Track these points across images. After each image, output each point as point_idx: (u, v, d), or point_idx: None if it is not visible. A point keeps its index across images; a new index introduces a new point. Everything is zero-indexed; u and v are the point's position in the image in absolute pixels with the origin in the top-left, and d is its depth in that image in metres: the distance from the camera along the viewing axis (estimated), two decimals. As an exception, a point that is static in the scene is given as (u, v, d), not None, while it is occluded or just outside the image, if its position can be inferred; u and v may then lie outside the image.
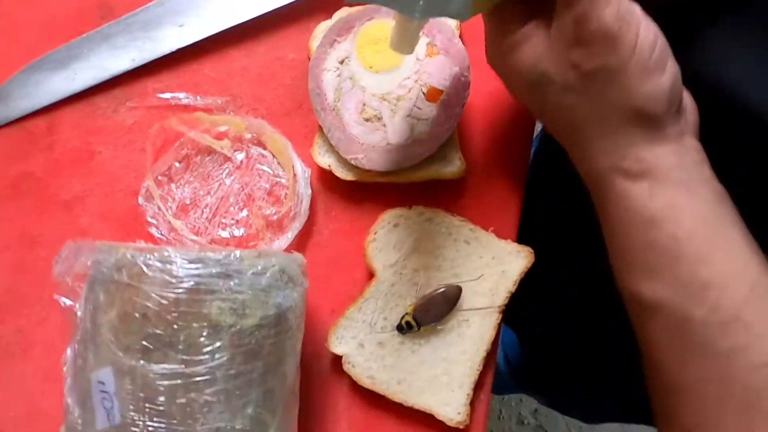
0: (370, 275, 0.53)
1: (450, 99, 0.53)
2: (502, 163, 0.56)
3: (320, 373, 0.53)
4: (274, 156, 0.56)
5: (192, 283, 0.39)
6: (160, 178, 0.56)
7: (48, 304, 0.54)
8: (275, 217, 0.55)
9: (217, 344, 0.39)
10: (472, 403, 0.51)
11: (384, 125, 0.54)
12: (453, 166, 0.54)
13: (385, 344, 0.52)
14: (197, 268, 0.39)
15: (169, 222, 0.54)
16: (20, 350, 0.53)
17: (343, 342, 0.52)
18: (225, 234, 0.55)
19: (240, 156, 0.56)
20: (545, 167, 0.66)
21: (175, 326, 0.39)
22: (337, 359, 0.52)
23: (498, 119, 0.57)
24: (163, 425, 0.38)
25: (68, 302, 0.42)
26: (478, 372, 0.51)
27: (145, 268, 0.39)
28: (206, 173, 0.56)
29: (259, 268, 0.41)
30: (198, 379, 0.39)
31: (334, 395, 0.53)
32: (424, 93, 0.53)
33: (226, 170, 0.56)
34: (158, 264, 0.39)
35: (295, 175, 0.54)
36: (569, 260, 0.69)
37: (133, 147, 0.57)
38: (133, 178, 0.56)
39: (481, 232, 0.53)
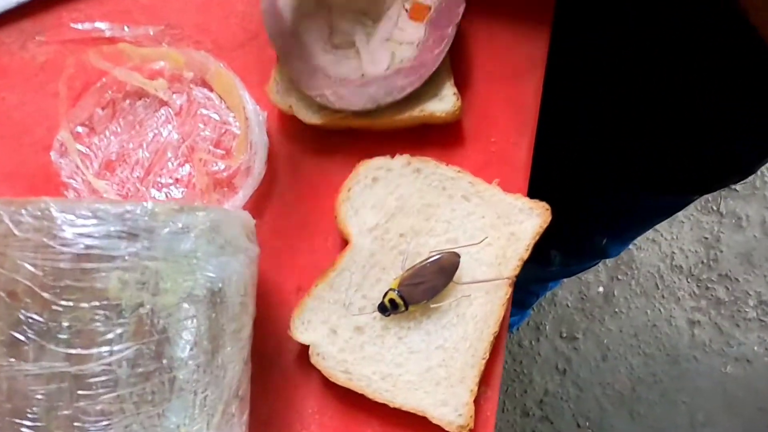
0: (345, 243, 0.42)
1: (439, 16, 0.42)
2: (508, 97, 0.45)
3: (285, 369, 0.42)
4: (221, 98, 0.45)
5: (81, 246, 0.28)
6: (78, 128, 0.44)
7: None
8: (225, 173, 0.44)
9: (119, 331, 0.28)
10: (477, 402, 0.40)
11: (357, 52, 0.42)
12: (445, 103, 0.43)
13: (365, 329, 0.41)
14: (89, 226, 0.28)
15: (90, 182, 0.43)
16: None
17: (310, 328, 0.41)
18: (160, 195, 0.43)
19: (179, 99, 0.45)
20: (561, 102, 0.54)
21: (56, 308, 0.28)
22: (304, 350, 0.41)
23: (502, 41, 0.46)
24: None
25: None
26: (484, 362, 0.40)
27: (13, 227, 0.28)
28: (137, 121, 0.45)
29: (180, 225, 0.30)
30: (91, 381, 0.28)
31: (302, 395, 0.42)
32: (406, 9, 0.42)
33: (162, 117, 0.45)
34: (32, 221, 0.28)
35: (247, 119, 0.43)
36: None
37: (44, 91, 0.45)
38: (45, 129, 0.45)
39: (483, 185, 0.42)
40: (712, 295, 1.43)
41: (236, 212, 0.34)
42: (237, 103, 0.44)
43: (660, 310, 1.44)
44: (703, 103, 0.48)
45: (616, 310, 1.45)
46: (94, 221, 0.28)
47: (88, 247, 0.28)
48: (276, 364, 0.42)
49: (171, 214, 0.30)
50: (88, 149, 0.44)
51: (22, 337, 0.27)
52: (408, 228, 0.42)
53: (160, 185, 0.44)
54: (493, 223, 0.41)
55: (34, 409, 0.27)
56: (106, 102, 0.45)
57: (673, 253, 1.47)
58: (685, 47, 0.46)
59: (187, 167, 0.44)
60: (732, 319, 1.42)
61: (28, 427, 0.27)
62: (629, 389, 1.40)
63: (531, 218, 0.41)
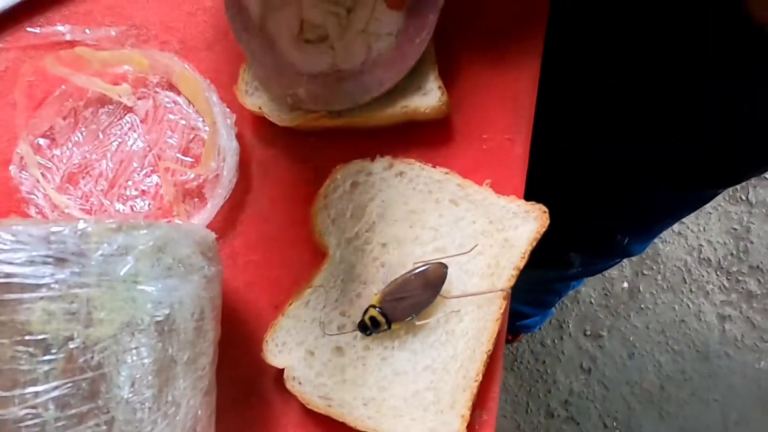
0: (322, 255, 0.38)
1: (419, 2, 0.38)
2: (501, 90, 0.41)
3: (261, 395, 0.39)
4: (189, 102, 0.42)
5: (1, 274, 0.25)
6: (39, 140, 0.42)
7: None
8: (194, 183, 0.40)
9: (45, 369, 0.25)
10: (471, 428, 0.36)
11: (331, 47, 0.39)
12: (430, 98, 0.39)
13: (345, 350, 0.37)
14: (8, 252, 0.25)
15: (51, 198, 0.40)
16: None
17: (285, 350, 0.37)
18: (125, 209, 0.40)
19: (145, 105, 0.42)
20: (566, 93, 0.50)
21: None
22: (280, 374, 0.37)
23: (493, 27, 0.41)
24: None
25: None
26: (477, 384, 0.36)
27: None
28: (100, 130, 0.42)
29: (115, 247, 0.27)
30: (13, 427, 0.24)
31: (281, 424, 0.38)
32: (382, -4, 0.38)
33: (127, 125, 0.42)
34: None
35: (215, 123, 0.39)
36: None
37: (3, 101, 0.42)
38: (5, 141, 0.42)
39: (473, 188, 0.38)
40: (743, 288, 1.37)
41: (189, 227, 0.31)
42: (205, 107, 0.40)
43: (688, 305, 1.38)
44: (723, 93, 0.44)
45: (642, 306, 1.39)
46: (15, 246, 0.25)
47: (7, 275, 0.25)
48: (251, 390, 0.38)
49: (105, 235, 0.27)
50: (49, 162, 0.41)
51: None
52: (391, 237, 0.38)
53: (125, 198, 0.41)
54: (485, 229, 0.37)
55: None
56: (68, 111, 0.42)
57: (701, 245, 1.41)
58: (699, 37, 0.42)
59: (154, 177, 0.41)
60: (765, 313, 1.36)
61: None
62: (658, 388, 1.35)
63: (527, 223, 0.37)
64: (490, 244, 0.37)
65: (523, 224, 0.37)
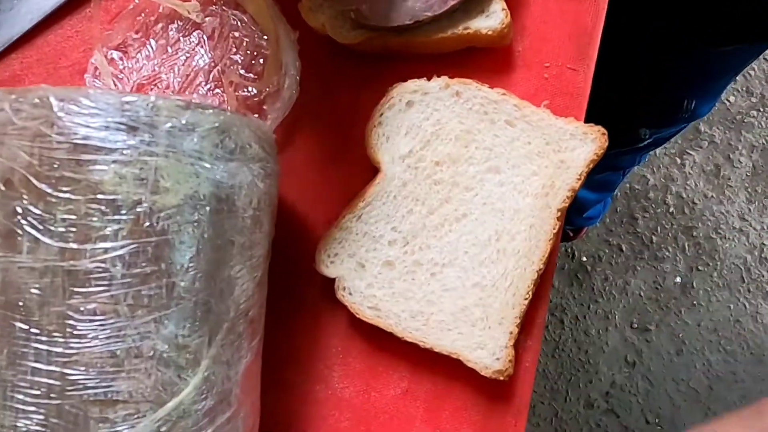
0: (376, 172, 0.39)
1: None
2: (566, 19, 0.40)
3: (310, 305, 0.39)
4: (254, 21, 0.43)
5: (78, 136, 0.26)
6: (112, 52, 0.43)
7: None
8: (255, 99, 0.41)
9: (114, 228, 0.26)
10: (516, 350, 0.36)
11: (395, -37, 0.39)
12: (493, 20, 0.38)
13: (395, 265, 0.37)
14: (87, 116, 0.26)
15: (120, 106, 0.41)
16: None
17: (336, 261, 0.38)
18: (188, 120, 0.41)
19: (212, 22, 0.43)
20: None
21: (51, 199, 0.26)
22: (330, 285, 0.38)
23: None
24: (30, 342, 0.25)
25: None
26: (526, 303, 0.36)
27: (12, 115, 0.26)
28: (169, 45, 0.43)
29: (183, 122, 0.28)
30: (84, 278, 0.26)
31: (327, 334, 0.39)
32: None
33: (195, 41, 0.43)
34: (31, 109, 0.26)
35: (278, 40, 0.40)
36: None
37: (79, 14, 0.44)
38: (81, 52, 0.44)
39: (530, 109, 0.38)
40: (804, 291, 1.31)
41: (252, 120, 0.32)
42: (269, 24, 0.41)
43: (745, 305, 1.33)
44: None
45: (695, 302, 1.34)
46: (93, 111, 0.26)
47: (85, 137, 0.26)
48: (300, 300, 0.39)
49: (174, 110, 0.28)
50: (121, 73, 0.43)
51: (17, 229, 0.26)
52: (444, 156, 0.38)
53: (189, 110, 0.42)
54: (541, 150, 0.37)
55: (27, 303, 0.26)
56: (140, 25, 0.43)
57: (763, 244, 1.35)
58: None
59: (218, 92, 0.42)
60: (825, 318, 1.29)
61: (20, 320, 0.26)
62: (706, 387, 1.30)
63: (584, 144, 0.37)
64: (545, 165, 0.37)
65: (581, 146, 0.37)
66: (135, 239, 0.26)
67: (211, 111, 0.29)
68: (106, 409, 0.26)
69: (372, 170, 0.40)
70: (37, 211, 0.26)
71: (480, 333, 0.36)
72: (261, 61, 0.41)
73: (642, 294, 1.35)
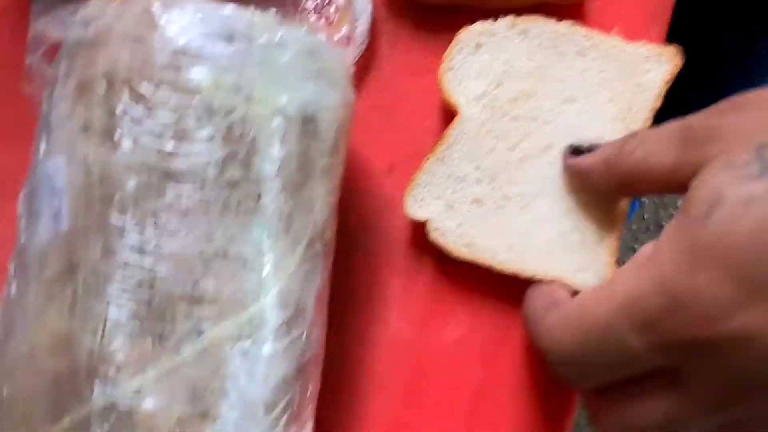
0: (448, 119, 0.39)
1: None
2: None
3: (367, 252, 0.39)
4: (325, -24, 0.44)
5: (179, 42, 0.27)
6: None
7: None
8: (327, 45, 0.42)
9: (210, 132, 0.27)
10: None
11: None
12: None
13: (484, 201, 0.37)
14: (188, 23, 0.27)
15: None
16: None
17: (423, 205, 0.37)
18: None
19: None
20: None
21: (150, 101, 0.27)
22: (392, 232, 0.38)
23: None
24: (124, 236, 0.26)
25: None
26: (623, 220, 0.35)
27: (115, 19, 0.27)
28: None
29: (276, 38, 0.28)
30: (179, 178, 0.26)
31: (385, 278, 0.39)
32: None
33: None
34: (134, 14, 0.27)
35: (350, -10, 0.41)
36: None
37: None
38: None
39: (600, 37, 0.38)
40: None
41: (337, 47, 0.32)
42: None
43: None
44: None
45: None
46: (195, 19, 0.27)
47: (186, 43, 0.27)
48: (359, 247, 0.39)
49: (269, 26, 0.29)
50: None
51: (117, 127, 0.26)
52: (519, 93, 0.38)
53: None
54: (614, 76, 0.38)
55: (122, 197, 0.26)
56: None
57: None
58: None
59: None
60: None
61: (115, 214, 0.26)
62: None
63: (660, 65, 0.37)
64: (621, 91, 0.37)
65: (656, 67, 0.37)
66: (228, 145, 0.27)
67: (302, 31, 0.30)
68: (192, 307, 0.26)
69: (439, 120, 0.40)
70: (137, 112, 0.26)
71: (580, 256, 0.35)
72: (333, 9, 0.42)
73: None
